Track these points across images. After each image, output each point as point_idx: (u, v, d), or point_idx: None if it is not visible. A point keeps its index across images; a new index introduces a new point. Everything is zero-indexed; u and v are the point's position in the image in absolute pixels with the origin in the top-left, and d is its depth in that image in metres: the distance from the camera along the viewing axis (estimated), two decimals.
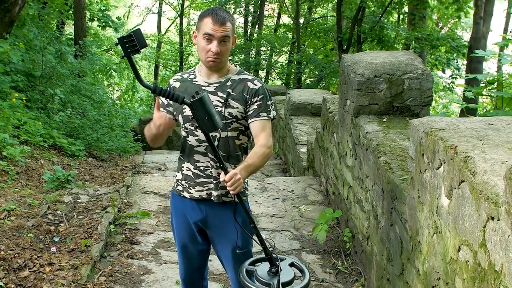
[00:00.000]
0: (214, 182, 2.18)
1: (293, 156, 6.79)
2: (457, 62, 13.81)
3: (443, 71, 14.61)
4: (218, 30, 2.05)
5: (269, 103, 2.20)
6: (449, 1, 12.22)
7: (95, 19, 15.57)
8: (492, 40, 15.90)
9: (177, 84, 2.25)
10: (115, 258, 3.55)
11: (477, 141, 1.83)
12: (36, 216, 3.96)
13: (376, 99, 3.64)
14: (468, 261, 1.67)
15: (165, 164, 7.54)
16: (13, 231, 3.58)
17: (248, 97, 2.16)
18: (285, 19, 20.87)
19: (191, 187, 2.22)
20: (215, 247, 2.33)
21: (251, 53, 17.56)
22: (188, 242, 2.31)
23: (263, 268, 2.00)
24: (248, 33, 18.74)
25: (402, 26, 14.53)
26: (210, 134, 1.98)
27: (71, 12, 12.53)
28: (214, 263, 3.29)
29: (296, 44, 15.78)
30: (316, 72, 15.10)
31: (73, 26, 12.81)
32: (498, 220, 1.43)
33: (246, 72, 2.26)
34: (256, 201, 4.78)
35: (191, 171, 2.21)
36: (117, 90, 19.41)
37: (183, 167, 2.24)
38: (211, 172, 2.18)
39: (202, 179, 2.19)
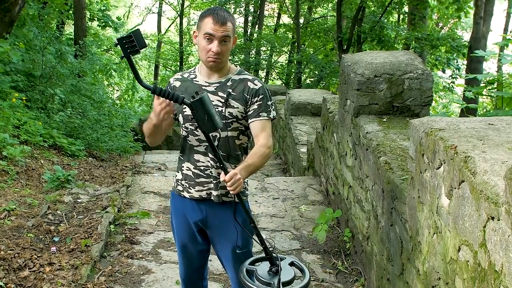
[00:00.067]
0: (214, 182, 2.18)
1: (293, 156, 6.79)
2: (457, 62, 13.81)
3: (443, 71, 14.61)
4: (218, 30, 2.05)
5: (269, 103, 2.20)
6: (449, 1, 12.22)
7: (95, 19, 15.58)
8: (492, 40, 15.93)
9: (178, 84, 2.25)
10: (115, 258, 3.55)
11: (477, 141, 1.83)
12: (36, 216, 3.96)
13: (376, 99, 3.64)
14: (468, 261, 1.67)
15: (165, 164, 7.54)
16: (13, 231, 3.58)
17: (248, 97, 2.16)
18: (285, 19, 20.87)
19: (191, 187, 2.22)
20: (215, 247, 2.33)
21: (251, 53, 17.56)
22: (188, 242, 2.31)
23: (263, 268, 2.00)
24: (248, 33, 18.74)
25: (402, 26, 14.54)
26: (210, 134, 1.98)
27: (71, 12, 12.53)
28: (214, 263, 3.29)
29: (296, 44, 15.78)
30: (316, 72, 15.10)
31: (73, 26, 12.81)
32: (498, 220, 1.43)
33: (246, 72, 2.27)
34: (256, 201, 4.78)
35: (191, 171, 2.21)
36: (117, 90, 19.41)
37: (183, 167, 2.24)
38: (211, 172, 2.18)
39: (202, 179, 2.19)
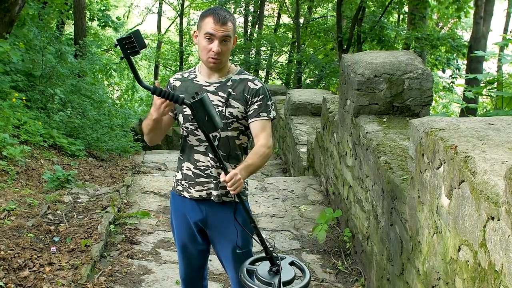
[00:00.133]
0: (214, 182, 2.17)
1: (293, 156, 6.79)
2: (457, 62, 13.81)
3: (443, 71, 14.61)
4: (219, 29, 2.05)
5: (269, 103, 2.20)
6: (449, 1, 12.23)
7: (95, 19, 15.58)
8: (492, 40, 15.93)
9: (178, 83, 2.24)
10: (115, 258, 3.55)
11: (477, 141, 1.83)
12: (36, 216, 3.96)
13: (376, 99, 3.64)
14: (468, 261, 1.67)
15: (165, 164, 7.54)
16: (13, 231, 3.58)
17: (248, 97, 2.16)
18: (285, 19, 20.87)
19: (191, 187, 2.22)
20: (215, 247, 2.33)
21: (251, 53, 17.57)
22: (188, 242, 2.31)
23: (263, 268, 2.00)
24: (248, 33, 18.74)
25: (402, 26, 14.54)
26: (210, 134, 1.98)
27: (71, 12, 12.53)
28: (214, 263, 3.29)
29: (296, 44, 15.78)
30: (316, 72, 15.11)
31: (73, 26, 12.81)
32: (498, 220, 1.43)
33: (246, 72, 2.27)
34: (256, 201, 4.78)
35: (191, 170, 2.21)
36: (117, 90, 19.41)
37: (183, 166, 2.24)
38: (211, 171, 2.17)
39: (202, 179, 2.19)
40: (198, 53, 2.23)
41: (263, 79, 18.20)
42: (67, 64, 9.45)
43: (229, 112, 2.14)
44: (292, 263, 2.06)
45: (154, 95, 1.95)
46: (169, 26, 25.34)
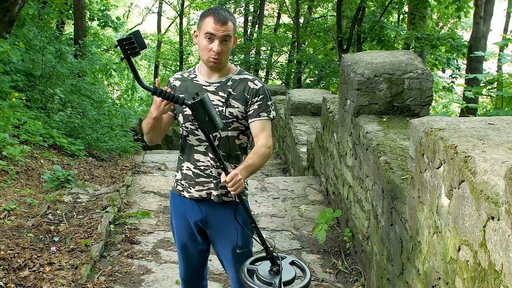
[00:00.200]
0: (214, 181, 2.17)
1: (293, 156, 6.79)
2: (457, 62, 13.81)
3: (443, 71, 14.61)
4: (219, 29, 2.05)
5: (269, 103, 2.20)
6: (449, 1, 12.23)
7: (95, 19, 15.58)
8: (492, 40, 15.92)
9: (177, 83, 2.24)
10: (115, 257, 3.55)
11: (477, 140, 1.83)
12: (36, 215, 3.96)
13: (376, 98, 3.63)
14: (468, 261, 1.67)
15: (165, 164, 7.53)
16: (13, 231, 3.58)
17: (248, 97, 2.16)
18: (285, 19, 20.87)
19: (191, 187, 2.22)
20: (215, 247, 2.32)
21: (251, 52, 17.56)
22: (188, 242, 2.31)
23: (264, 268, 2.00)
24: (248, 33, 18.74)
25: (402, 26, 14.53)
26: (211, 134, 1.98)
27: (71, 11, 12.53)
28: (214, 263, 3.30)
29: (296, 43, 15.78)
30: (316, 72, 15.11)
31: (73, 25, 12.81)
32: (498, 220, 1.43)
33: (246, 72, 2.27)
34: (256, 201, 4.78)
35: (191, 170, 2.21)
36: (117, 90, 19.41)
37: (183, 166, 2.24)
38: (211, 171, 2.17)
39: (202, 179, 2.19)
40: (198, 52, 2.23)
41: (263, 79, 18.21)
42: (67, 64, 9.45)
43: (229, 112, 2.14)
44: (292, 263, 2.06)
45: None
46: (169, 26, 25.35)
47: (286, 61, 18.95)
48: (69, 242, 3.58)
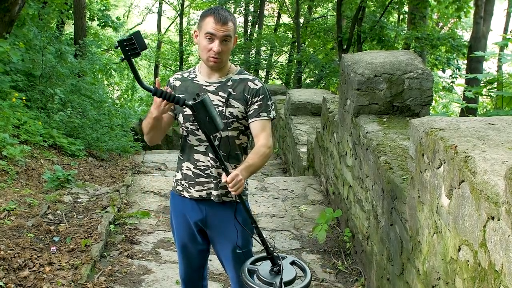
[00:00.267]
0: (214, 181, 2.17)
1: (293, 156, 6.79)
2: (457, 62, 13.80)
3: (443, 71, 14.60)
4: (220, 29, 2.05)
5: (269, 103, 2.20)
6: (449, 1, 12.22)
7: (95, 18, 15.58)
8: (492, 40, 15.92)
9: (178, 83, 2.24)
10: (115, 257, 3.55)
11: (477, 140, 1.83)
12: (36, 215, 3.96)
13: (376, 98, 3.63)
14: (468, 261, 1.67)
15: (165, 164, 7.54)
16: (13, 231, 3.58)
17: (248, 97, 2.16)
18: (285, 19, 20.87)
19: (191, 187, 2.22)
20: (215, 247, 2.32)
21: (251, 52, 17.56)
22: (188, 242, 2.31)
23: (264, 268, 2.00)
24: (248, 33, 18.75)
25: (401, 26, 14.53)
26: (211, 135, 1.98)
27: (71, 11, 12.53)
28: (214, 263, 3.29)
29: (296, 43, 15.78)
30: (316, 72, 15.11)
31: (73, 25, 12.81)
32: (498, 220, 1.43)
33: (246, 72, 2.26)
34: (256, 201, 4.78)
35: (191, 170, 2.21)
36: (117, 90, 19.41)
37: (182, 166, 2.24)
38: (211, 171, 2.17)
39: (202, 179, 2.19)
40: (199, 52, 2.23)
41: (263, 79, 18.21)
42: (67, 64, 9.45)
43: (229, 112, 2.14)
44: (293, 263, 2.06)
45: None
46: (169, 26, 25.35)
47: (286, 61, 18.95)
48: (69, 242, 3.58)
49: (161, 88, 1.94)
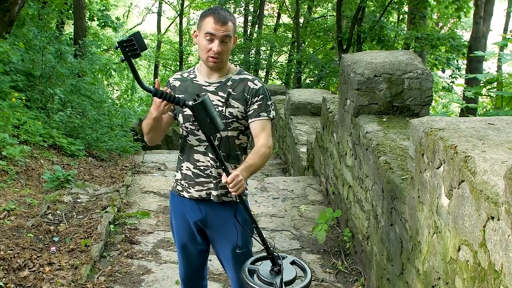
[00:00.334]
0: (214, 182, 2.17)
1: (293, 156, 6.79)
2: (457, 62, 13.80)
3: (443, 71, 14.61)
4: (219, 29, 2.05)
5: (269, 103, 2.20)
6: (449, 1, 12.22)
7: (95, 19, 15.58)
8: (492, 40, 15.92)
9: (177, 83, 2.24)
10: (115, 258, 3.55)
11: (477, 140, 1.83)
12: (36, 216, 3.96)
13: (376, 98, 3.63)
14: (468, 261, 1.67)
15: (164, 164, 7.53)
16: (13, 231, 3.58)
17: (248, 97, 2.16)
18: (285, 19, 20.87)
19: (190, 187, 2.21)
20: (215, 247, 2.32)
21: (251, 52, 17.56)
22: (188, 242, 2.31)
23: (265, 267, 2.00)
24: (248, 33, 18.75)
25: (401, 26, 14.53)
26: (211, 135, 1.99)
27: (70, 11, 12.53)
28: (214, 263, 3.29)
29: (296, 43, 15.78)
30: (316, 72, 15.11)
31: (73, 25, 12.81)
32: (498, 220, 1.43)
33: (246, 72, 2.26)
34: (256, 201, 4.78)
35: (190, 170, 2.21)
36: (116, 90, 19.41)
37: (182, 166, 2.24)
38: (211, 171, 2.17)
39: (202, 179, 2.19)
40: (198, 52, 2.23)
41: (263, 79, 18.21)
42: (67, 64, 9.45)
43: (229, 112, 2.14)
44: (293, 262, 2.06)
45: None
46: (169, 26, 25.35)
47: (286, 61, 18.95)
48: (69, 242, 3.58)
49: (161, 89, 1.93)
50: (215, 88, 2.16)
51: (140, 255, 3.62)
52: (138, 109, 17.33)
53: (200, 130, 2.08)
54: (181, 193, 2.26)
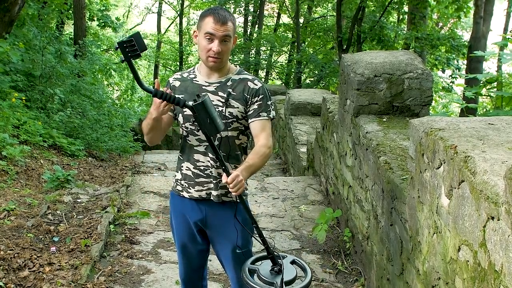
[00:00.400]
0: (214, 182, 2.17)
1: (293, 156, 6.79)
2: (457, 62, 13.80)
3: (443, 71, 14.61)
4: (219, 29, 2.05)
5: (269, 103, 2.20)
6: (449, 1, 12.22)
7: (95, 19, 15.59)
8: (492, 40, 15.92)
9: (177, 83, 2.24)
10: (115, 258, 3.55)
11: (477, 141, 1.83)
12: (36, 216, 3.96)
13: (376, 98, 3.63)
14: (468, 261, 1.67)
15: (164, 164, 7.53)
16: (13, 231, 3.58)
17: (248, 97, 2.16)
18: (285, 19, 20.88)
19: (190, 187, 2.21)
20: (215, 247, 2.32)
21: (251, 52, 17.57)
22: (188, 242, 2.31)
23: (265, 267, 2.00)
24: (248, 33, 18.75)
25: (401, 26, 14.53)
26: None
27: (70, 11, 12.53)
28: (214, 263, 3.29)
29: (296, 43, 15.78)
30: (316, 72, 15.11)
31: (73, 25, 12.81)
32: (498, 220, 1.43)
33: (246, 72, 2.26)
34: (256, 201, 4.78)
35: (190, 170, 2.20)
36: (116, 90, 19.41)
37: (182, 166, 2.24)
38: (211, 172, 2.17)
39: (202, 179, 2.19)
40: (198, 52, 2.23)
41: (263, 79, 18.21)
42: (67, 64, 9.45)
43: (229, 112, 2.14)
44: (293, 262, 2.06)
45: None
46: (169, 26, 25.35)
47: (286, 61, 18.95)
48: (69, 242, 3.58)
49: (161, 89, 1.93)
50: (215, 88, 2.16)
51: (140, 255, 3.62)
52: (138, 109, 17.33)
53: (200, 130, 2.08)
54: (181, 193, 2.26)
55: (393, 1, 12.83)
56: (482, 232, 1.54)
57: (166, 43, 24.36)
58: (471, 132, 1.92)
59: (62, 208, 4.27)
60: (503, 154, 1.67)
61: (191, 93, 2.12)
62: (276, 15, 21.12)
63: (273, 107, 2.23)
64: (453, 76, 13.92)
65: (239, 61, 16.33)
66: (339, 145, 4.26)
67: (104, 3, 16.35)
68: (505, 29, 15.15)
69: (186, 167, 2.22)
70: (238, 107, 2.15)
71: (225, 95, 2.14)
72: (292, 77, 16.78)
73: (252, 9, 19.06)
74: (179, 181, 2.26)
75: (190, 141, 2.19)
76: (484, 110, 11.66)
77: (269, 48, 17.98)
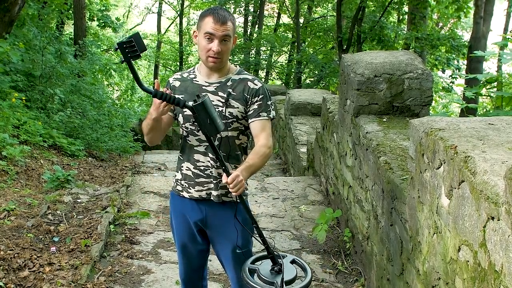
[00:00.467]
0: (214, 182, 2.17)
1: (293, 156, 6.79)
2: (457, 62, 13.80)
3: (443, 71, 14.60)
4: (219, 29, 2.05)
5: (269, 103, 2.20)
6: (449, 1, 12.22)
7: (95, 19, 15.59)
8: (492, 40, 15.91)
9: (177, 83, 2.24)
10: (115, 258, 3.55)
11: (477, 141, 1.83)
12: (36, 216, 3.96)
13: (376, 99, 3.63)
14: (468, 261, 1.67)
15: (165, 164, 7.54)
16: (13, 231, 3.58)
17: (248, 97, 2.16)
18: (285, 19, 20.88)
19: (190, 187, 2.21)
20: (215, 247, 2.32)
21: (251, 53, 17.57)
22: (188, 242, 2.31)
23: (265, 267, 2.00)
24: (248, 33, 18.75)
25: (401, 26, 14.53)
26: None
27: (70, 11, 12.54)
28: (214, 263, 3.29)
29: (296, 43, 15.78)
30: (316, 72, 15.11)
31: (73, 26, 12.82)
32: (498, 220, 1.43)
33: (246, 72, 2.26)
34: (256, 201, 4.78)
35: (191, 170, 2.20)
36: (116, 90, 19.42)
37: (182, 166, 2.24)
38: (211, 172, 2.17)
39: (202, 179, 2.19)
40: (198, 52, 2.23)
41: (263, 79, 18.21)
42: (67, 64, 9.46)
43: (229, 112, 2.14)
44: (293, 262, 2.06)
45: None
46: (169, 26, 25.36)
47: (286, 61, 18.95)
48: (69, 242, 3.58)
49: (161, 90, 1.93)
50: (215, 88, 2.16)
51: (140, 255, 3.62)
52: (138, 109, 17.33)
53: (200, 131, 2.08)
54: (181, 193, 2.26)
55: (393, 1, 12.83)
56: (482, 232, 1.54)
57: (166, 43, 24.36)
58: (471, 132, 1.92)
59: (62, 208, 4.27)
60: (503, 154, 1.67)
61: (191, 93, 2.12)
62: (276, 15, 21.13)
63: (273, 107, 2.23)
64: (453, 76, 13.92)
65: (239, 61, 16.34)
66: (339, 145, 4.26)
67: (104, 3, 16.35)
68: (505, 29, 15.14)
69: (186, 167, 2.22)
70: (238, 107, 2.15)
71: (225, 95, 2.14)
72: (292, 77, 16.78)
73: (252, 9, 19.06)
74: (179, 181, 2.26)
75: (190, 141, 2.19)
76: (484, 110, 11.66)
77: (269, 48, 17.98)
